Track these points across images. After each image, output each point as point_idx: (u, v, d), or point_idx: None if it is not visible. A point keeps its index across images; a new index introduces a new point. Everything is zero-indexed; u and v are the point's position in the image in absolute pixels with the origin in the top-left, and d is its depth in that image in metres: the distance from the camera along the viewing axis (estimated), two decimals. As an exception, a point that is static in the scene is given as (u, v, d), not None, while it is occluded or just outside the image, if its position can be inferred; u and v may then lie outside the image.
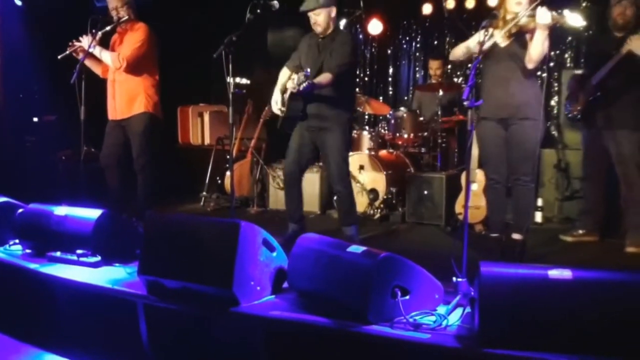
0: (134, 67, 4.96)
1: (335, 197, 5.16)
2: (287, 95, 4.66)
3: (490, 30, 4.00)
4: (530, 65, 3.96)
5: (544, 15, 3.70)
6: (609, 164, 4.78)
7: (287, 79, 4.76)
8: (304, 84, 4.19)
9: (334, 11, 4.57)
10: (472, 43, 4.13)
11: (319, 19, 4.53)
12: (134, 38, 4.96)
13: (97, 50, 4.89)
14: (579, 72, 5.15)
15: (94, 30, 4.79)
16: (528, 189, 4.14)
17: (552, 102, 7.33)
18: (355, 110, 5.88)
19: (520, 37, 3.99)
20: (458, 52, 4.32)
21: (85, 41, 4.80)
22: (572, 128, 5.86)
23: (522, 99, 4.05)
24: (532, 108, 4.03)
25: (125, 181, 5.12)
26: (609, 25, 4.74)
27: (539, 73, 4.13)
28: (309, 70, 4.27)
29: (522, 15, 3.80)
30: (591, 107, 4.78)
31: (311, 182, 5.98)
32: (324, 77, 4.39)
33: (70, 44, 4.81)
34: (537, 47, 3.85)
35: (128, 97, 5.02)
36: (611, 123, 4.67)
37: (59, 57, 4.77)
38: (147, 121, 5.03)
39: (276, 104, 4.69)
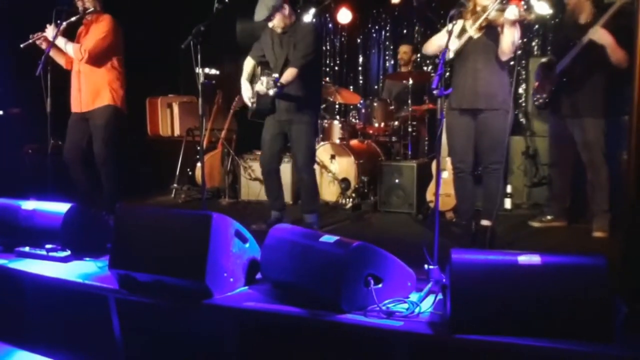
0: (97, 59, 4.89)
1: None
2: (254, 90, 4.76)
3: (460, 22, 4.05)
4: (503, 57, 4.04)
5: (512, 12, 3.78)
6: (574, 150, 4.86)
7: (252, 68, 4.89)
8: (274, 90, 4.40)
9: (286, 9, 4.64)
10: (443, 40, 4.15)
11: (275, 23, 4.64)
12: (97, 30, 4.89)
13: (61, 42, 4.81)
14: (544, 60, 5.21)
15: (58, 21, 4.71)
16: (497, 176, 4.20)
17: (520, 90, 7.41)
18: (322, 99, 5.92)
19: (490, 29, 4.03)
20: (430, 47, 4.35)
21: (49, 31, 4.72)
22: (540, 116, 5.95)
23: (492, 90, 4.11)
24: (502, 99, 4.10)
25: (92, 175, 5.04)
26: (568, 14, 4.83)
27: (512, 63, 4.17)
28: (276, 75, 4.42)
29: (492, 9, 3.85)
30: (556, 94, 4.85)
31: (283, 172, 5.95)
32: (290, 74, 4.51)
33: (32, 35, 4.72)
34: (508, 42, 3.92)
35: (92, 90, 4.94)
36: (576, 110, 4.73)
37: (22, 45, 4.69)
38: (111, 114, 4.95)
39: (246, 92, 4.82)
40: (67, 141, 5.05)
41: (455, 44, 4.03)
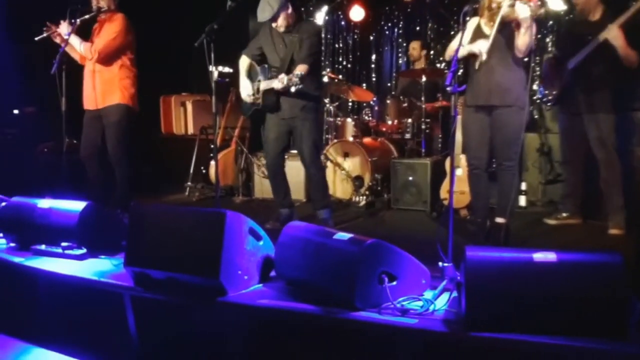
0: (107, 58, 4.92)
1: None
2: (262, 87, 4.79)
3: (475, 19, 4.04)
4: (519, 54, 4.02)
5: (523, 9, 3.77)
6: (586, 147, 4.83)
7: (249, 66, 4.93)
8: (299, 86, 4.34)
9: (289, 8, 4.66)
10: (465, 47, 4.12)
11: (279, 22, 4.66)
12: (109, 29, 4.92)
13: (74, 40, 4.84)
14: (550, 55, 5.19)
15: (72, 20, 4.74)
16: (511, 173, 4.17)
17: (535, 87, 7.36)
18: (326, 94, 5.94)
19: (505, 26, 4.01)
20: (449, 53, 4.29)
21: (63, 28, 4.75)
22: (554, 112, 5.90)
23: (507, 86, 4.09)
24: (516, 95, 4.08)
25: (106, 173, 5.08)
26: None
27: (526, 59, 4.15)
28: (299, 73, 4.37)
29: (504, 6, 3.83)
30: (568, 91, 4.82)
31: (296, 169, 5.97)
32: (303, 69, 4.50)
33: (46, 27, 4.75)
34: (522, 38, 3.91)
35: (104, 88, 4.98)
36: (589, 107, 4.71)
37: (36, 39, 4.72)
38: (122, 112, 4.98)
39: (246, 90, 4.88)
40: (82, 139, 5.10)
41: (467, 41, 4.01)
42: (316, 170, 4.85)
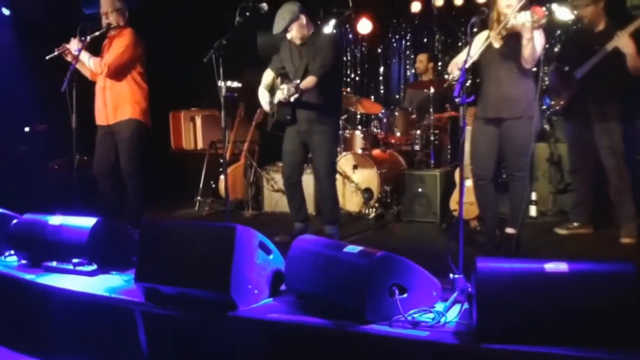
0: (116, 73, 4.95)
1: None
2: (275, 100, 4.78)
3: (485, 32, 4.05)
4: (527, 65, 4.00)
5: (524, 18, 3.76)
6: (594, 155, 4.81)
7: (271, 80, 4.94)
8: (295, 96, 4.39)
9: (304, 19, 4.67)
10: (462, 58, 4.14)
11: (293, 34, 4.67)
12: (118, 44, 4.96)
13: (84, 56, 4.88)
14: (553, 67, 5.18)
15: (82, 38, 4.79)
16: (522, 184, 4.16)
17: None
18: (342, 109, 5.92)
19: (511, 37, 4.01)
20: (452, 67, 4.31)
21: (73, 45, 4.79)
22: (563, 122, 5.89)
23: (515, 97, 4.09)
24: (525, 106, 4.07)
25: (119, 189, 5.10)
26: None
27: (535, 70, 4.15)
28: (298, 81, 4.42)
29: (510, 17, 3.83)
30: (576, 101, 4.81)
31: (305, 183, 5.96)
32: (309, 81, 4.52)
33: (56, 48, 4.80)
34: (528, 49, 3.89)
35: (115, 103, 5.01)
36: (597, 116, 4.70)
37: (47, 57, 4.75)
38: (134, 128, 5.00)
39: (267, 104, 4.89)
40: (95, 155, 5.13)
41: (475, 53, 4.01)
42: (329, 186, 4.81)
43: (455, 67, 4.28)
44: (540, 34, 3.93)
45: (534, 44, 3.86)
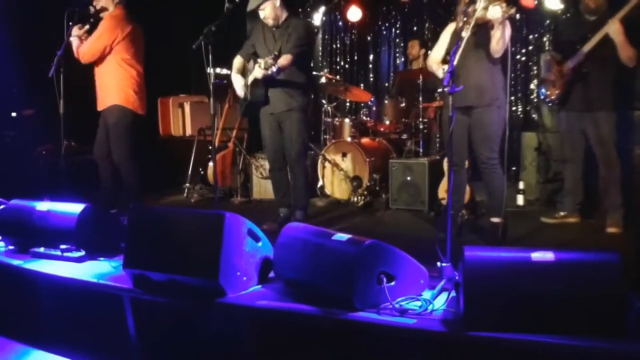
0: (93, 59, 4.88)
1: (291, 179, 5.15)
2: (251, 78, 4.79)
3: (453, 24, 4.26)
4: (495, 55, 4.13)
5: (495, 11, 3.86)
6: (586, 145, 4.85)
7: (242, 65, 4.94)
8: (274, 68, 4.36)
9: (277, 1, 4.67)
10: (438, 53, 4.38)
11: (266, 12, 4.68)
12: (97, 29, 4.89)
13: (74, 42, 4.84)
14: (548, 55, 5.20)
15: (70, 23, 4.74)
16: (495, 172, 4.27)
17: (532, 86, 7.39)
18: (314, 93, 5.95)
19: (480, 27, 4.10)
20: (431, 62, 4.46)
21: (74, 31, 4.77)
22: (552, 111, 5.92)
23: (483, 87, 4.20)
24: (493, 95, 4.21)
25: (116, 175, 5.09)
26: (580, 9, 4.80)
27: (505, 59, 4.22)
28: (276, 53, 4.42)
29: (479, 9, 3.89)
30: (569, 90, 4.83)
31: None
32: (285, 59, 4.53)
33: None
34: (497, 40, 4.02)
35: (103, 89, 4.98)
36: (591, 105, 4.72)
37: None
38: (119, 114, 4.93)
39: (241, 88, 4.88)
40: (96, 139, 5.13)
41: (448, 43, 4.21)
42: (300, 170, 4.86)
43: (434, 63, 4.39)
44: (508, 25, 4.02)
45: (503, 34, 3.97)
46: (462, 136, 4.33)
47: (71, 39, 4.76)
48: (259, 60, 4.54)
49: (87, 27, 4.82)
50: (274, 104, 4.78)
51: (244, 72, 4.95)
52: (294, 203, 4.94)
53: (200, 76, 4.18)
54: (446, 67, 4.21)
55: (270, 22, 4.72)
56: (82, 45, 4.86)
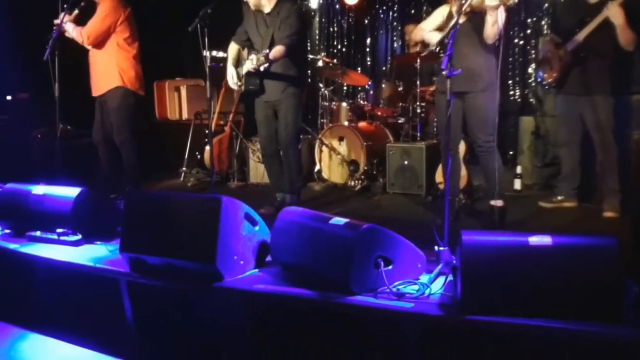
0: (98, 41, 4.88)
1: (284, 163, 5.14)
2: (242, 71, 4.78)
3: (447, 7, 4.27)
4: (488, 41, 4.13)
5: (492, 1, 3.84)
6: (583, 130, 4.84)
7: (237, 53, 4.91)
8: (265, 65, 4.41)
9: None
10: (429, 25, 4.41)
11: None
12: (99, 11, 4.87)
13: (69, 27, 4.81)
14: (548, 38, 5.17)
15: (65, 6, 4.70)
16: (492, 155, 4.28)
17: (530, 70, 7.37)
18: (311, 77, 5.92)
19: (475, 14, 4.09)
20: (417, 37, 4.55)
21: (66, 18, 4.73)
22: (550, 96, 5.90)
23: (477, 72, 4.21)
24: (488, 80, 4.22)
25: (117, 157, 5.07)
26: None
27: (496, 44, 4.21)
28: (268, 51, 4.41)
29: None
30: (568, 74, 4.81)
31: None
32: (278, 51, 4.51)
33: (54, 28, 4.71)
34: (491, 27, 4.01)
35: (102, 73, 4.96)
36: (588, 89, 4.70)
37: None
38: (122, 96, 4.94)
39: (232, 78, 4.86)
40: (94, 123, 5.11)
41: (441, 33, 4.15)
42: (293, 153, 4.83)
43: (421, 32, 4.46)
44: (503, 11, 3.99)
45: (499, 21, 3.96)
46: (457, 121, 4.32)
47: (65, 25, 4.72)
48: (252, 56, 4.52)
49: (76, 12, 4.77)
50: (270, 92, 4.75)
51: (239, 61, 4.92)
52: (285, 187, 4.93)
53: (197, 60, 4.15)
54: (436, 33, 4.33)
55: (260, 8, 4.66)
56: (87, 27, 4.83)
